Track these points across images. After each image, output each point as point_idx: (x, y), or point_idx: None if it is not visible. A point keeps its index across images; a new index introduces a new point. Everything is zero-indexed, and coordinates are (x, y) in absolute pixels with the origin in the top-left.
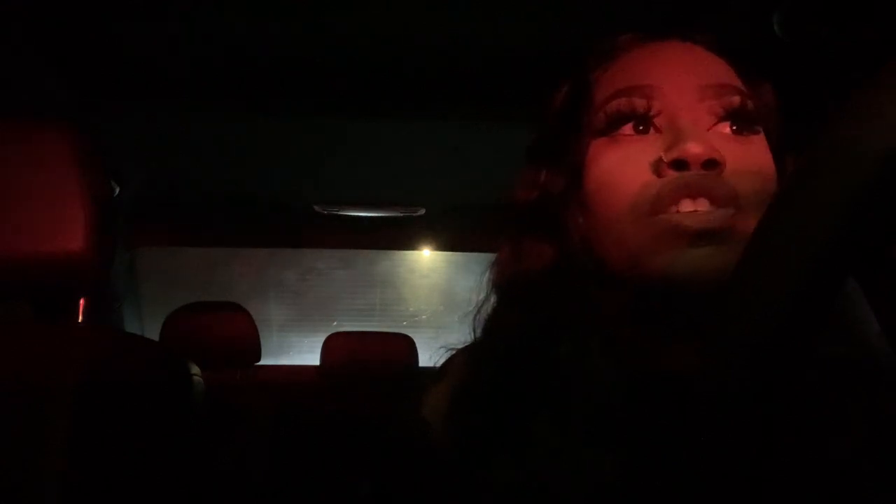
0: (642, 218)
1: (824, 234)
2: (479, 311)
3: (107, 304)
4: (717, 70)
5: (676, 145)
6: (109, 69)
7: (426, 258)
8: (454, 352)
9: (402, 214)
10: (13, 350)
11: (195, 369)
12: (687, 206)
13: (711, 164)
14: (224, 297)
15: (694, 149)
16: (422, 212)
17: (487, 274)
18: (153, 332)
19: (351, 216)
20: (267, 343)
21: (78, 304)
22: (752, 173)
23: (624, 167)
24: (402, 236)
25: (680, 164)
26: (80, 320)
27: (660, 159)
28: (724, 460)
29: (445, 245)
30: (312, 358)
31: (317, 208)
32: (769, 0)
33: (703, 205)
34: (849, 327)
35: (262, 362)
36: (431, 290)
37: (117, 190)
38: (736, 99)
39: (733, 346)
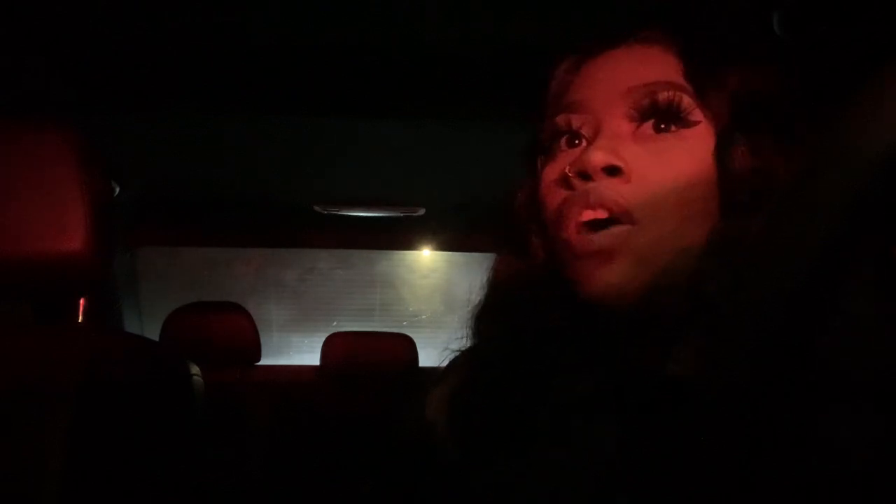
0: (558, 235)
1: (824, 233)
2: (473, 317)
3: (107, 304)
4: (653, 69)
5: (580, 156)
6: (109, 69)
7: (426, 258)
8: (458, 352)
9: (402, 214)
10: (13, 350)
11: (195, 369)
12: (588, 215)
13: (613, 171)
14: (224, 297)
15: (591, 157)
16: (422, 212)
17: (484, 277)
18: (153, 332)
19: (351, 216)
20: (267, 343)
21: (78, 304)
22: (660, 177)
23: (548, 185)
24: (402, 236)
25: (582, 175)
26: (80, 320)
27: (566, 172)
28: (724, 460)
29: (445, 245)
30: (312, 358)
31: (317, 208)
32: (769, 0)
33: (601, 213)
34: (851, 328)
35: (262, 362)
36: (431, 291)
37: (117, 190)
38: (663, 95)
39: (734, 345)
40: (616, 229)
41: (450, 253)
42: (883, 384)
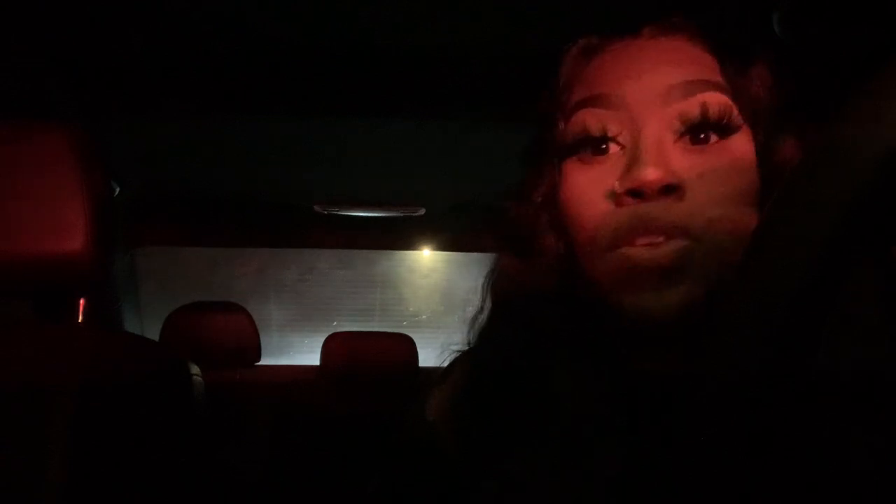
0: (603, 252)
1: (823, 234)
2: (475, 319)
3: (107, 304)
4: (689, 65)
5: (630, 172)
6: (109, 69)
7: (426, 258)
8: (458, 353)
9: (402, 214)
10: (13, 350)
11: (195, 369)
12: (643, 241)
13: (669, 190)
14: (224, 297)
15: (649, 176)
16: (422, 212)
17: (484, 281)
18: (153, 332)
19: (351, 216)
20: (267, 343)
21: (78, 304)
22: (712, 193)
23: (584, 196)
24: (402, 236)
25: (635, 194)
26: (80, 320)
27: (615, 189)
28: (725, 462)
29: (445, 245)
30: (312, 358)
31: (317, 208)
32: (769, 0)
33: (658, 238)
34: (852, 329)
35: (262, 362)
36: (431, 291)
37: (117, 190)
38: (706, 97)
39: (735, 345)
40: (676, 244)
41: (450, 253)
42: (883, 384)
